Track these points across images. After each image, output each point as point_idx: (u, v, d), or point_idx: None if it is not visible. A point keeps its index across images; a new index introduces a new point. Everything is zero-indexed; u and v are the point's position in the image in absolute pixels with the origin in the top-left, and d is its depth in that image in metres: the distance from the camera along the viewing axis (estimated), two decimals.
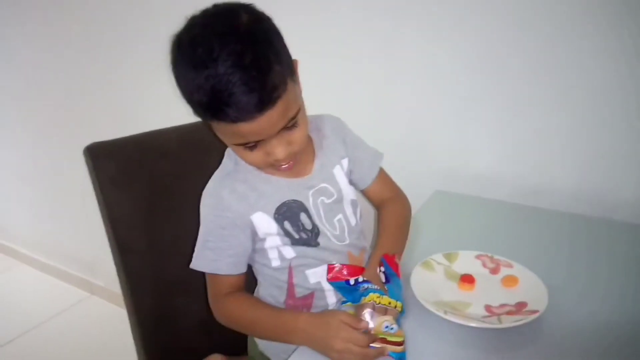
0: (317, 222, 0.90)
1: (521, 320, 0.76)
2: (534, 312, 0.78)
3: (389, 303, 0.78)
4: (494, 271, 0.92)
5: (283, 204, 0.88)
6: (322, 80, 1.33)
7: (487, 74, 1.23)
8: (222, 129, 0.76)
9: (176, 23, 0.75)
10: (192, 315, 1.12)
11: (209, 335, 1.14)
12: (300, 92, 0.82)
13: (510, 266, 0.92)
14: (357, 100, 1.37)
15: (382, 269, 0.85)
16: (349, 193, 0.97)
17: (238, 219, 0.86)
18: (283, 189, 0.89)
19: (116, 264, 1.05)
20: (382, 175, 1.05)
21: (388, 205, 1.03)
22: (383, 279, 0.84)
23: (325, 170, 0.94)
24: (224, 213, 0.86)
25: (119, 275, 1.06)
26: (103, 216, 1.03)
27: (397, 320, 0.77)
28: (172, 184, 1.10)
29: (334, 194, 0.94)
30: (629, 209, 1.15)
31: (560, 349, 0.75)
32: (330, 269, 0.87)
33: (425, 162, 1.37)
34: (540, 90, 1.18)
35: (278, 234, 0.88)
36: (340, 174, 0.97)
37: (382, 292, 0.80)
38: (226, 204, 0.86)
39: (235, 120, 0.71)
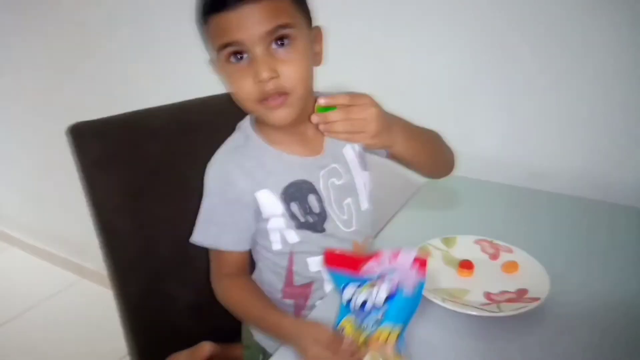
0: (327, 205, 0.87)
1: (522, 308, 0.73)
2: (535, 299, 0.75)
3: (380, 336, 0.64)
4: (494, 257, 0.89)
5: (292, 184, 0.84)
6: None
7: (486, 57, 1.19)
8: (212, 31, 0.76)
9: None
10: (182, 300, 1.09)
11: (200, 321, 1.11)
12: (307, 29, 0.81)
13: (510, 251, 0.89)
14: (353, 81, 1.33)
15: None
16: (359, 175, 0.93)
17: (243, 196, 0.83)
18: (294, 167, 0.85)
19: (102, 248, 1.02)
20: None
21: None
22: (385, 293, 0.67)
23: (335, 150, 0.91)
24: (229, 187, 0.83)
25: (105, 259, 1.02)
26: (87, 199, 1.00)
27: (398, 344, 0.64)
28: (162, 165, 1.06)
29: (342, 175, 0.90)
30: (630, 192, 1.12)
31: (561, 337, 0.73)
32: (327, 255, 0.76)
33: None
34: (540, 72, 1.14)
35: (283, 215, 0.84)
36: (350, 154, 0.93)
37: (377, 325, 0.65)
38: (232, 179, 0.82)
39: (220, 6, 0.72)
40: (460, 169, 1.28)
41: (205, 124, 1.12)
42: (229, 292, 0.86)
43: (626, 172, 1.13)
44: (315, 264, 0.88)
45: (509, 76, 1.18)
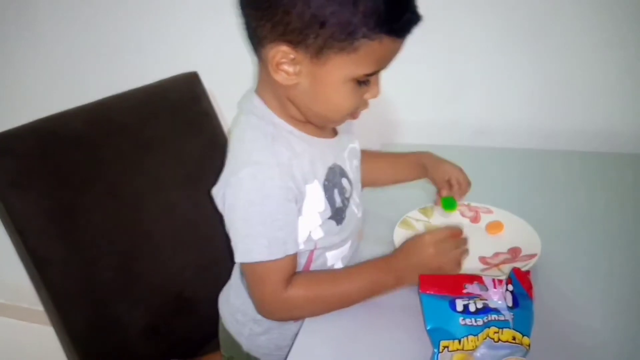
0: (353, 189, 0.79)
1: (523, 267, 0.70)
2: (532, 256, 0.73)
3: (513, 338, 0.59)
4: (475, 220, 0.87)
5: (330, 170, 0.75)
6: None
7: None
8: (380, 51, 0.64)
9: None
10: (135, 323, 0.97)
11: (158, 340, 1.01)
12: None
13: (489, 212, 0.87)
14: None
15: (510, 287, 0.63)
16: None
17: (298, 188, 0.71)
18: (325, 150, 0.75)
19: (33, 279, 0.88)
20: None
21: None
22: (510, 301, 0.63)
23: (346, 132, 0.83)
24: (288, 183, 0.69)
25: (39, 292, 0.89)
26: (7, 226, 0.85)
27: None
28: (88, 175, 0.93)
29: (358, 155, 0.83)
30: (571, 139, 1.16)
31: (557, 292, 0.71)
32: (422, 279, 0.66)
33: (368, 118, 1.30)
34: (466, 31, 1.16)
35: (324, 210, 0.74)
36: (353, 137, 0.85)
37: (502, 324, 0.60)
38: (291, 172, 0.70)
39: (404, 31, 0.64)
40: (404, 136, 1.27)
41: (130, 124, 1.00)
42: (303, 292, 0.72)
43: (568, 119, 1.18)
44: (332, 257, 0.79)
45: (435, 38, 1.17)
